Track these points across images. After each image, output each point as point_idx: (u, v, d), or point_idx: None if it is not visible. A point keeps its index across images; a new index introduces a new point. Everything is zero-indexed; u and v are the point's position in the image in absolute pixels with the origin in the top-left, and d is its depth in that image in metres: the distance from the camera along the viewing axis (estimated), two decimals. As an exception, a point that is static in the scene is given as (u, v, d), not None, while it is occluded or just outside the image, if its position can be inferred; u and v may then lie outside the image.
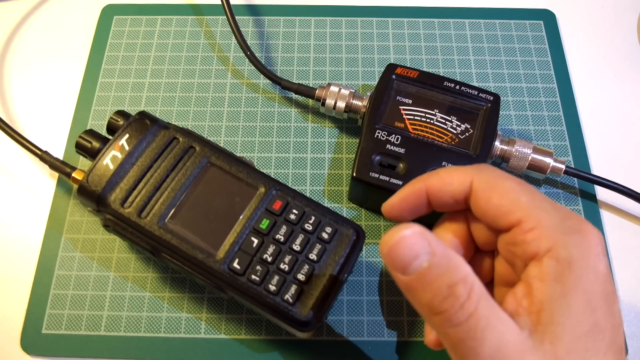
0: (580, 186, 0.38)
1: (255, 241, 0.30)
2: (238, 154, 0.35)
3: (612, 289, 0.22)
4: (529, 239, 0.23)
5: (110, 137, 0.33)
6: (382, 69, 0.37)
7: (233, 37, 0.43)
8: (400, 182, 0.33)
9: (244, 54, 0.41)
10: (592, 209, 0.37)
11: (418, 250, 0.21)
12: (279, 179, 0.36)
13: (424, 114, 0.35)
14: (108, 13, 0.45)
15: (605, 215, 0.37)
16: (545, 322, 0.21)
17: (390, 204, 0.27)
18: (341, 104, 0.37)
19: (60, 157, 0.38)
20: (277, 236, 0.30)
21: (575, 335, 0.21)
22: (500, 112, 0.39)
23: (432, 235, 0.21)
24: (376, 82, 0.37)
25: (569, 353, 0.20)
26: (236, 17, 0.41)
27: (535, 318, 0.21)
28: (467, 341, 0.20)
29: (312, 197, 0.35)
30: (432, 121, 0.35)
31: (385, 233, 0.21)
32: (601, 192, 0.38)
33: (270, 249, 0.29)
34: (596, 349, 0.21)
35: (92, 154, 0.33)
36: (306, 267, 0.29)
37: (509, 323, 0.21)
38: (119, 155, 0.31)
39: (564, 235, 0.22)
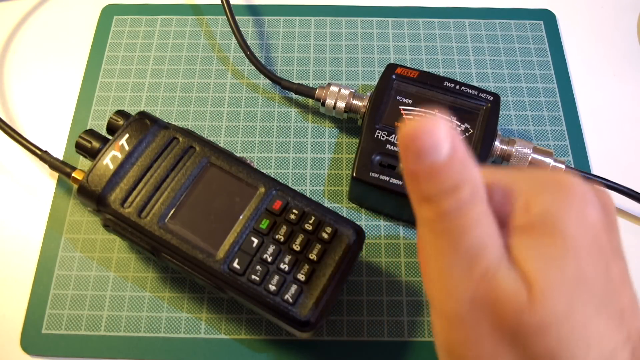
0: (580, 186, 0.38)
1: (255, 241, 0.30)
2: (238, 154, 0.35)
3: (610, 244, 0.20)
4: (503, 210, 0.21)
5: (110, 137, 0.33)
6: (382, 69, 0.37)
7: (233, 37, 0.43)
8: (400, 182, 0.33)
9: (244, 54, 0.41)
10: (592, 209, 0.37)
11: (440, 142, 0.19)
12: (279, 179, 0.36)
13: (424, 114, 0.35)
14: (108, 13, 0.45)
15: (605, 215, 0.37)
16: (521, 265, 0.20)
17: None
18: (341, 104, 0.37)
19: (60, 157, 0.38)
20: (277, 236, 0.30)
21: (553, 280, 0.19)
22: (500, 112, 0.39)
23: (457, 134, 0.20)
24: (376, 82, 0.37)
25: (544, 294, 0.19)
26: (236, 17, 0.41)
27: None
28: (452, 235, 0.19)
29: (312, 197, 0.35)
30: (432, 121, 0.35)
31: (410, 121, 0.20)
32: (601, 192, 0.38)
33: (270, 249, 0.29)
34: (584, 305, 0.19)
35: (92, 154, 0.33)
36: (306, 267, 0.29)
37: (498, 235, 0.20)
38: (119, 155, 0.31)
39: (536, 189, 0.21)
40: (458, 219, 0.19)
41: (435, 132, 0.19)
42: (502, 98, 0.40)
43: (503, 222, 0.21)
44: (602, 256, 0.20)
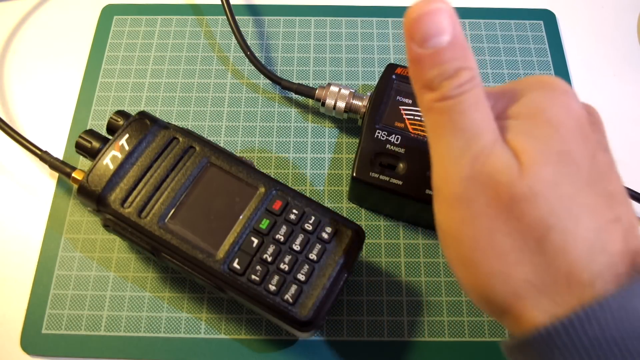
0: (580, 186, 0.38)
1: (255, 241, 0.30)
2: (238, 154, 0.35)
3: (595, 136, 0.22)
4: (491, 104, 0.22)
5: (110, 137, 0.33)
6: (382, 69, 0.37)
7: (233, 37, 0.43)
8: (400, 182, 0.33)
9: (244, 54, 0.41)
10: (592, 209, 0.37)
11: (443, 28, 0.20)
12: (279, 179, 0.36)
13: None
14: (108, 13, 0.45)
15: (605, 215, 0.37)
16: (510, 142, 0.21)
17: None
18: (341, 104, 0.37)
19: (60, 157, 0.38)
20: (277, 236, 0.30)
21: (540, 153, 0.20)
22: (500, 112, 0.39)
23: (457, 19, 0.21)
24: (376, 82, 0.37)
25: (533, 165, 0.20)
26: (236, 17, 0.41)
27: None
28: (452, 113, 0.21)
29: (312, 197, 0.35)
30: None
31: (415, 3, 0.21)
32: (601, 192, 0.38)
33: (270, 249, 0.29)
34: (569, 176, 0.20)
35: (92, 154, 0.33)
36: (306, 267, 0.29)
37: (491, 116, 0.21)
38: (119, 155, 0.31)
39: (523, 89, 0.22)
40: (458, 100, 0.20)
41: (439, 16, 0.20)
42: (502, 98, 0.40)
43: (495, 118, 0.22)
44: (588, 143, 0.21)
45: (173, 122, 0.36)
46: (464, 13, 0.45)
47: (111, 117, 0.33)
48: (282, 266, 0.29)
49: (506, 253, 0.20)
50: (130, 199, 0.30)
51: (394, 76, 0.36)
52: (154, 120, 0.33)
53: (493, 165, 0.20)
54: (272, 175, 0.34)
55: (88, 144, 0.33)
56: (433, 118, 0.21)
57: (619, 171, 0.22)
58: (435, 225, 0.23)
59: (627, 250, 0.20)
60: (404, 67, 0.37)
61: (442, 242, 0.23)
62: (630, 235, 0.20)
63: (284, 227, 0.30)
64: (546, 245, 0.20)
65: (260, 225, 0.30)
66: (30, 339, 0.33)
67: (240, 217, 0.30)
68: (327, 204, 0.37)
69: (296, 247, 0.30)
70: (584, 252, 0.19)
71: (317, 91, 0.38)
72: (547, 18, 0.45)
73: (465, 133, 0.21)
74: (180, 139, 0.32)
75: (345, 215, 0.34)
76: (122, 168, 0.31)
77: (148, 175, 0.31)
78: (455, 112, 0.21)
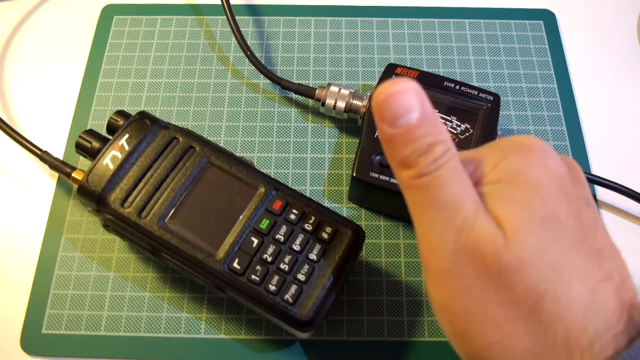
0: (580, 186, 0.38)
1: (255, 241, 0.30)
2: (238, 154, 0.35)
3: (577, 193, 0.21)
4: (473, 177, 0.22)
5: (110, 137, 0.33)
6: (382, 69, 0.37)
7: (233, 37, 0.43)
8: (400, 182, 0.33)
9: (244, 54, 0.41)
10: (592, 209, 0.37)
11: (411, 106, 0.20)
12: (279, 179, 0.36)
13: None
14: (108, 13, 0.45)
15: (605, 215, 0.37)
16: (492, 211, 0.21)
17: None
18: (341, 104, 0.37)
19: (60, 157, 0.38)
20: (277, 236, 0.30)
21: (523, 220, 0.20)
22: (500, 112, 0.39)
23: (425, 96, 0.21)
24: (376, 82, 0.37)
25: (517, 233, 0.20)
26: (236, 17, 0.41)
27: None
28: (430, 189, 0.21)
29: (312, 197, 0.35)
30: (432, 121, 0.35)
31: (380, 84, 0.21)
32: (601, 192, 0.38)
33: (270, 249, 0.29)
34: (556, 240, 0.20)
35: (92, 154, 0.33)
36: (306, 267, 0.29)
37: (471, 185, 0.21)
38: (119, 155, 0.31)
39: (501, 152, 0.22)
40: (434, 175, 0.21)
41: (406, 95, 0.20)
42: (502, 98, 0.40)
43: (473, 183, 0.22)
44: (571, 201, 0.21)
45: (173, 122, 0.36)
46: (464, 13, 0.45)
47: (111, 117, 0.33)
48: (282, 266, 0.29)
49: (501, 324, 0.20)
50: (130, 199, 0.30)
51: (394, 76, 0.36)
52: (154, 120, 0.33)
53: (477, 237, 0.20)
54: (272, 175, 0.34)
55: (88, 144, 0.33)
56: (413, 195, 0.22)
57: (604, 224, 0.22)
58: (429, 298, 0.23)
59: (622, 306, 0.20)
60: (404, 67, 0.37)
61: (436, 315, 0.23)
62: (623, 290, 0.20)
63: (284, 227, 0.30)
64: (541, 312, 0.20)
65: (260, 225, 0.30)
66: (30, 339, 0.33)
67: (240, 217, 0.30)
68: (327, 204, 0.37)
69: (296, 247, 0.30)
70: (579, 316, 0.19)
71: (317, 91, 0.38)
72: (547, 18, 0.45)
73: (446, 207, 0.21)
74: (180, 139, 0.32)
75: (345, 215, 0.34)
76: (122, 168, 0.31)
77: (148, 175, 0.31)
78: (434, 187, 0.21)
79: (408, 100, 0.20)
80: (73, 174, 0.33)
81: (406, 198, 0.22)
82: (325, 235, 0.30)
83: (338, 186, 0.38)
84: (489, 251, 0.20)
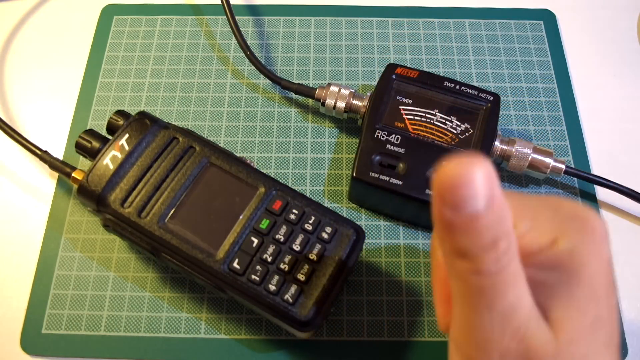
0: (580, 186, 0.38)
1: (255, 241, 0.30)
2: (238, 154, 0.35)
3: (613, 278, 0.21)
4: (528, 242, 0.21)
5: (110, 137, 0.33)
6: (382, 69, 0.37)
7: (233, 37, 0.43)
8: (400, 182, 0.33)
9: (244, 54, 0.41)
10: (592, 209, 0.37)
11: (480, 193, 0.18)
12: (279, 179, 0.36)
13: (424, 114, 0.35)
14: (108, 13, 0.45)
15: (605, 215, 0.37)
16: (546, 309, 0.20)
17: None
18: (341, 104, 0.37)
19: (60, 157, 0.38)
20: (277, 236, 0.30)
21: (578, 326, 0.20)
22: (500, 112, 0.39)
23: (496, 179, 0.18)
24: (376, 82, 0.37)
25: (570, 343, 0.20)
26: (236, 17, 0.41)
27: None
28: (487, 293, 0.19)
29: (312, 197, 0.35)
30: (432, 121, 0.35)
31: (450, 161, 0.18)
32: (601, 192, 0.38)
33: (270, 249, 0.29)
34: (597, 343, 0.20)
35: (92, 154, 0.33)
36: (306, 267, 0.29)
37: (527, 288, 0.20)
38: (119, 155, 0.31)
39: (562, 224, 0.21)
40: (495, 278, 0.19)
41: (475, 180, 0.17)
42: (502, 98, 0.40)
43: (526, 252, 0.21)
44: (612, 293, 0.21)
45: (173, 122, 0.36)
46: (464, 13, 0.45)
47: (111, 117, 0.33)
48: (282, 266, 0.29)
49: None
50: (130, 199, 0.30)
51: (394, 76, 0.36)
52: (154, 120, 0.33)
53: (528, 345, 0.20)
54: (272, 175, 0.34)
55: (88, 144, 0.33)
56: (466, 288, 0.20)
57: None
58: None
59: None
60: (404, 67, 0.37)
61: None
62: None
63: (284, 227, 0.30)
64: None
65: (260, 225, 0.30)
66: (30, 339, 0.33)
67: (240, 217, 0.30)
68: (327, 204, 0.37)
69: (296, 247, 0.30)
70: None
71: (317, 91, 0.38)
72: (547, 18, 0.45)
73: (501, 312, 0.19)
74: (180, 139, 0.32)
75: (345, 215, 0.34)
76: (122, 168, 0.31)
77: (148, 175, 0.31)
78: (492, 292, 0.19)
79: (479, 185, 0.17)
80: (73, 174, 0.33)
81: (455, 286, 0.20)
82: (325, 235, 0.30)
83: (338, 186, 0.38)
84: (538, 357, 0.20)
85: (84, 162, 0.38)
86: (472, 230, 0.18)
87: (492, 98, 0.36)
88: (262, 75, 0.40)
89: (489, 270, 0.19)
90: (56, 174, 0.38)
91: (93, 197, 0.31)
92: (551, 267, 0.20)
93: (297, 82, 0.40)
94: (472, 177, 0.17)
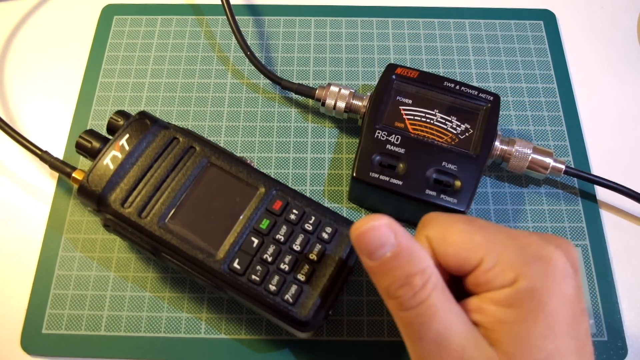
0: (580, 186, 0.38)
1: (256, 241, 0.30)
2: (238, 154, 0.35)
3: (579, 308, 0.23)
4: (491, 278, 0.23)
5: (110, 137, 0.33)
6: (382, 69, 0.37)
7: (233, 37, 0.43)
8: (400, 182, 0.33)
9: (244, 54, 0.41)
10: (592, 209, 0.37)
11: (384, 241, 0.22)
12: (279, 179, 0.36)
13: (424, 114, 0.35)
14: (108, 13, 0.45)
15: (605, 215, 0.37)
16: (503, 344, 0.22)
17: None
18: (341, 104, 0.37)
19: (60, 157, 0.38)
20: (277, 236, 0.30)
21: (528, 356, 0.21)
22: (500, 112, 0.39)
23: (400, 228, 0.23)
24: (376, 82, 0.37)
25: None
26: (236, 17, 0.41)
27: (489, 335, 0.22)
28: (414, 325, 0.22)
29: (312, 197, 0.35)
30: (432, 121, 0.35)
31: (358, 221, 0.23)
32: (601, 192, 0.38)
33: (271, 249, 0.29)
34: None
35: (92, 154, 0.33)
36: (306, 267, 0.29)
37: (459, 315, 0.22)
38: (119, 155, 0.31)
39: (524, 266, 0.23)
40: (416, 311, 0.22)
41: (378, 231, 0.22)
42: (502, 98, 0.40)
43: (489, 287, 0.23)
44: (577, 325, 0.22)
45: (173, 122, 0.36)
46: (464, 13, 0.45)
47: (111, 117, 0.33)
48: (282, 266, 0.29)
49: None
50: (130, 199, 0.30)
51: (394, 76, 0.36)
52: (154, 120, 0.33)
53: None
54: (272, 175, 0.34)
55: (88, 144, 0.33)
56: (399, 322, 0.23)
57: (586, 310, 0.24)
58: None
59: None
60: (404, 67, 0.37)
61: None
62: None
63: (284, 227, 0.30)
64: None
65: (261, 225, 0.30)
66: (31, 338, 0.33)
67: (241, 217, 0.30)
68: (327, 204, 0.37)
69: (296, 247, 0.30)
70: None
71: (317, 91, 0.38)
72: (547, 18, 0.45)
73: (434, 340, 0.22)
74: (181, 139, 0.32)
75: (345, 215, 0.34)
76: (122, 168, 0.31)
77: (148, 175, 0.31)
78: (417, 323, 0.22)
79: (381, 235, 0.22)
80: (73, 174, 0.33)
81: (396, 323, 0.24)
82: (325, 235, 0.30)
83: (338, 186, 0.38)
84: None
85: (84, 162, 0.38)
86: (386, 272, 0.22)
87: (492, 98, 0.36)
88: (262, 75, 0.40)
89: (409, 305, 0.22)
90: (56, 174, 0.38)
91: (93, 197, 0.31)
92: (511, 304, 0.22)
93: (297, 82, 0.40)
94: (375, 229, 0.22)
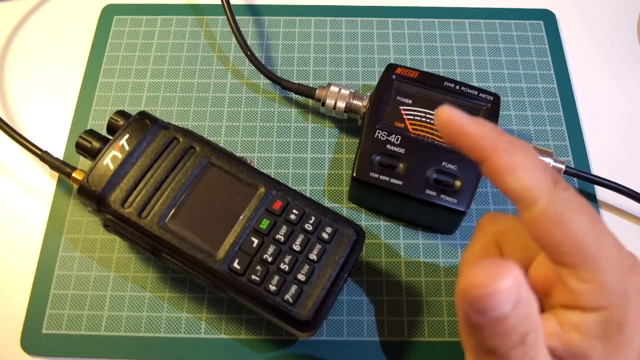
0: (580, 186, 0.38)
1: (256, 241, 0.30)
2: (238, 154, 0.35)
3: None
4: (581, 290, 0.20)
5: (110, 137, 0.33)
6: (382, 69, 0.37)
7: (233, 37, 0.43)
8: (400, 182, 0.33)
9: (244, 54, 0.41)
10: (592, 209, 0.37)
11: (507, 299, 0.18)
12: (279, 179, 0.36)
13: (424, 114, 0.35)
14: (108, 13, 0.45)
15: (605, 215, 0.37)
16: None
17: (454, 125, 0.23)
18: (341, 104, 0.37)
19: (60, 157, 0.38)
20: (277, 236, 0.30)
21: None
22: (500, 112, 0.39)
23: (524, 281, 0.18)
24: (376, 82, 0.37)
25: None
26: (236, 17, 0.41)
27: None
28: None
29: (312, 197, 0.35)
30: (432, 121, 0.35)
31: (477, 267, 0.18)
32: (601, 192, 0.38)
33: (271, 249, 0.29)
34: None
35: (92, 154, 0.33)
36: (306, 267, 0.29)
37: None
38: (119, 155, 0.31)
39: (623, 296, 0.20)
40: None
41: (503, 290, 0.17)
42: (502, 98, 0.40)
43: (561, 292, 0.21)
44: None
45: (173, 122, 0.36)
46: (464, 13, 0.45)
47: (111, 117, 0.33)
48: (282, 266, 0.29)
49: None
50: (130, 199, 0.30)
51: (394, 76, 0.36)
52: (154, 120, 0.33)
53: None
54: (272, 175, 0.34)
55: (88, 144, 0.33)
56: None
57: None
58: None
59: None
60: (404, 67, 0.37)
61: None
62: None
63: (284, 227, 0.30)
64: None
65: (261, 226, 0.30)
66: (31, 339, 0.33)
67: (241, 217, 0.30)
68: (327, 204, 0.37)
69: (296, 247, 0.30)
70: None
71: (317, 91, 0.38)
72: (547, 18, 0.45)
73: None
74: (181, 139, 0.32)
75: (345, 215, 0.34)
76: (122, 168, 0.31)
77: (148, 175, 0.31)
78: None
79: (507, 295, 0.18)
80: (73, 174, 0.33)
81: None
82: (325, 236, 0.30)
83: (338, 186, 0.38)
84: None
85: (84, 162, 0.38)
86: (500, 331, 0.18)
87: (492, 98, 0.36)
88: (262, 75, 0.40)
89: None
90: (56, 174, 0.38)
91: (93, 197, 0.31)
92: (599, 337, 0.20)
93: (297, 82, 0.40)
94: (501, 289, 0.17)
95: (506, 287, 0.17)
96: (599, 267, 0.20)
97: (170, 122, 0.34)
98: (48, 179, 0.38)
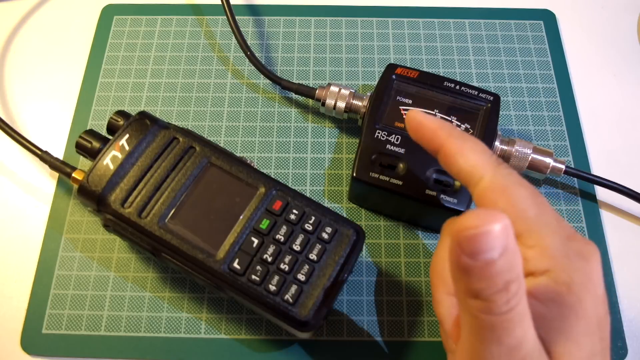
0: (580, 186, 0.38)
1: (256, 241, 0.30)
2: (238, 154, 0.35)
3: (605, 311, 0.23)
4: (529, 256, 0.23)
5: (110, 137, 0.33)
6: (382, 69, 0.37)
7: (233, 37, 0.43)
8: (400, 182, 0.33)
9: (244, 54, 0.41)
10: (592, 209, 0.37)
11: (497, 244, 0.19)
12: (279, 179, 0.36)
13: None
14: (108, 13, 0.45)
15: (605, 215, 0.37)
16: (546, 342, 0.22)
17: (417, 121, 0.28)
18: (341, 104, 0.37)
19: (60, 157, 0.38)
20: (277, 236, 0.30)
21: (575, 358, 0.21)
22: (500, 112, 0.39)
23: (512, 231, 0.20)
24: (376, 82, 0.37)
25: None
26: (236, 17, 0.41)
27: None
28: (497, 330, 0.21)
29: (312, 197, 0.35)
30: (432, 121, 0.35)
31: (471, 212, 0.19)
32: (601, 192, 0.38)
33: (271, 249, 0.29)
34: None
35: (92, 154, 0.33)
36: (306, 267, 0.29)
37: (531, 323, 0.22)
38: (119, 155, 0.31)
39: (565, 258, 0.22)
40: (505, 316, 0.21)
41: (493, 233, 0.19)
42: (502, 98, 0.40)
43: (528, 273, 0.23)
44: (604, 328, 0.23)
45: (173, 122, 0.36)
46: (464, 13, 0.45)
47: (111, 117, 0.33)
48: (282, 266, 0.29)
49: None
50: (130, 199, 0.30)
51: (394, 76, 0.36)
52: (154, 120, 0.33)
53: None
54: (272, 175, 0.34)
55: (88, 144, 0.33)
56: (477, 324, 0.21)
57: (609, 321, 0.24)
58: None
59: None
60: (404, 67, 0.37)
61: None
62: None
63: (284, 227, 0.30)
64: None
65: (261, 226, 0.30)
66: (31, 339, 0.33)
67: (241, 217, 0.30)
68: (327, 204, 0.37)
69: (296, 247, 0.30)
70: None
71: (317, 91, 0.38)
72: (547, 18, 0.45)
73: (508, 346, 0.21)
74: (181, 139, 0.32)
75: (345, 215, 0.34)
76: (122, 168, 0.31)
77: (148, 175, 0.31)
78: (501, 328, 0.21)
79: (496, 238, 0.19)
80: (73, 174, 0.33)
81: (464, 320, 0.22)
82: (325, 236, 0.30)
83: (338, 186, 0.38)
84: None
85: (84, 162, 0.38)
86: (487, 275, 0.20)
87: (492, 98, 0.35)
88: (262, 75, 0.40)
89: (500, 310, 0.20)
90: (56, 174, 0.38)
91: (93, 197, 0.31)
92: (552, 299, 0.22)
93: (297, 82, 0.40)
94: (491, 231, 0.19)
95: (496, 231, 0.19)
96: (540, 232, 0.23)
97: (170, 122, 0.34)
98: (48, 179, 0.38)
